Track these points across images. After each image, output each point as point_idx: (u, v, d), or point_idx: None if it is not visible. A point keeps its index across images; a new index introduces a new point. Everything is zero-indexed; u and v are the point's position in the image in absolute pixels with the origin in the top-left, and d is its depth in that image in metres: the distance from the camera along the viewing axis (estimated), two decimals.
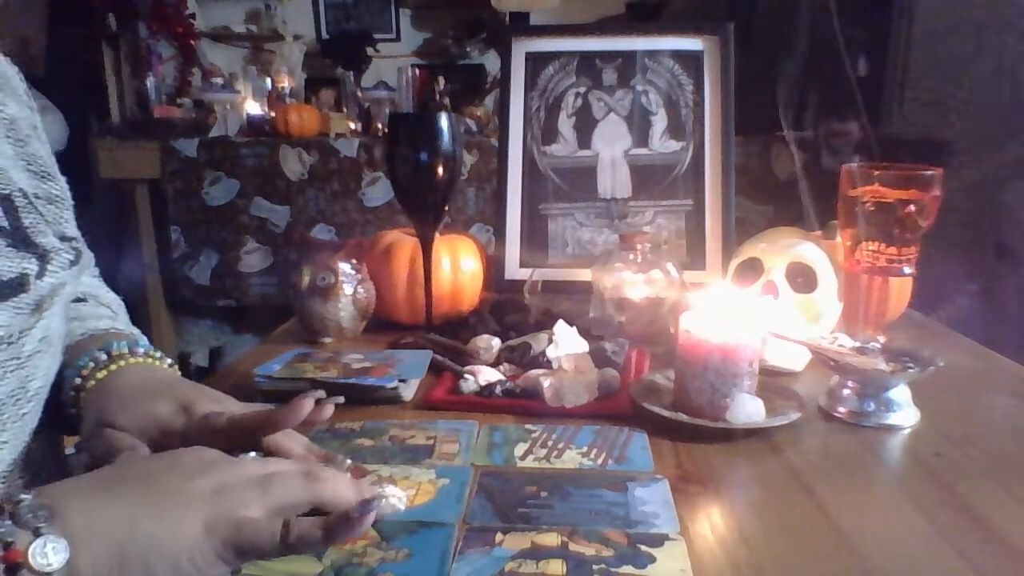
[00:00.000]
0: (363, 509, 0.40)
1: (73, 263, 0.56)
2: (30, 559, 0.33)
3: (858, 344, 0.71)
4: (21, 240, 0.52)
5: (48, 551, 0.34)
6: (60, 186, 0.58)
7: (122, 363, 0.58)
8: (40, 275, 0.52)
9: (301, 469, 0.43)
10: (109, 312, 0.69)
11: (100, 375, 0.56)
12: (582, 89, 1.12)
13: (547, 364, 0.71)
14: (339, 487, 0.42)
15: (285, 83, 3.15)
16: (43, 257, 0.53)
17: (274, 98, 3.02)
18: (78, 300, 0.68)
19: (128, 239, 2.71)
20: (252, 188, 2.58)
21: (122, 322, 0.69)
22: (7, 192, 0.54)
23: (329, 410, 0.57)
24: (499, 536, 0.47)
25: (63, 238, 0.57)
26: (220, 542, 0.38)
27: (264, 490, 0.40)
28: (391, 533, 0.47)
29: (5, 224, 0.52)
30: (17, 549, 0.33)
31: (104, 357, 0.58)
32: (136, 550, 0.36)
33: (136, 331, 0.67)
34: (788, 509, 0.52)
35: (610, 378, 0.71)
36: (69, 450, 0.61)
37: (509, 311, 0.92)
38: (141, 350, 0.60)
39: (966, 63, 2.08)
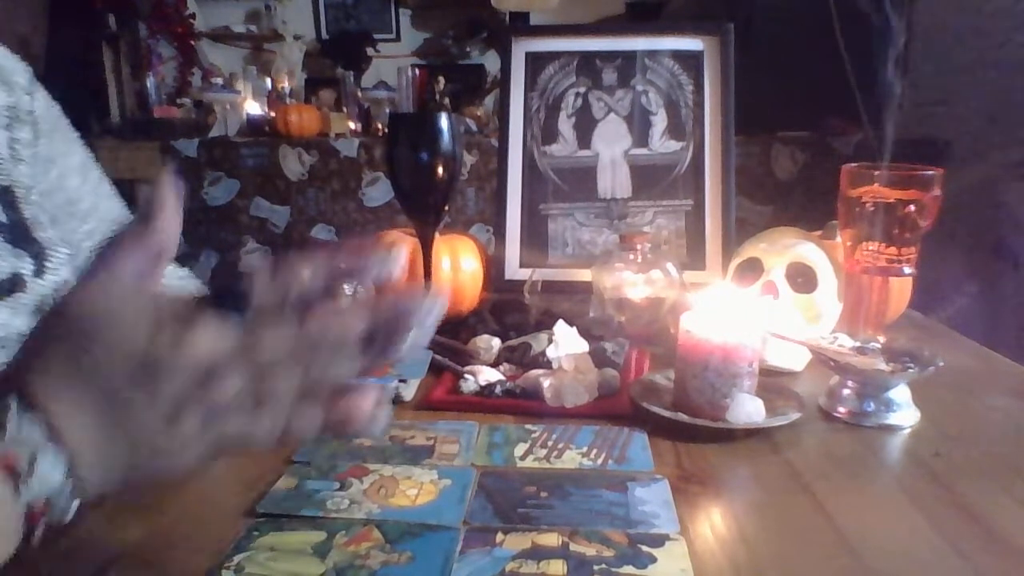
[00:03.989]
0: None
1: (74, 257, 0.56)
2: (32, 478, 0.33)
3: (858, 344, 0.71)
4: (20, 235, 0.52)
5: (48, 465, 0.33)
6: None
7: None
8: (39, 273, 0.52)
9: (298, 386, 0.36)
10: None
11: None
12: (582, 89, 1.12)
13: (547, 364, 0.71)
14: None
15: (285, 83, 3.16)
16: (39, 255, 0.53)
17: (274, 98, 3.02)
18: None
19: None
20: (252, 188, 2.59)
21: None
22: (7, 184, 0.53)
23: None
24: (499, 536, 0.47)
25: None
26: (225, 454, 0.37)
27: (260, 413, 0.36)
28: (394, 536, 0.47)
29: (4, 219, 0.52)
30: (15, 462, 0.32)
31: None
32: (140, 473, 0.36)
33: None
34: (788, 509, 0.52)
35: (610, 378, 0.71)
36: None
37: (509, 311, 0.92)
38: None
39: (966, 63, 2.08)
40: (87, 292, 0.37)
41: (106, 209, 0.66)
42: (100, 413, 0.34)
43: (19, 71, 0.59)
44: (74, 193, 0.62)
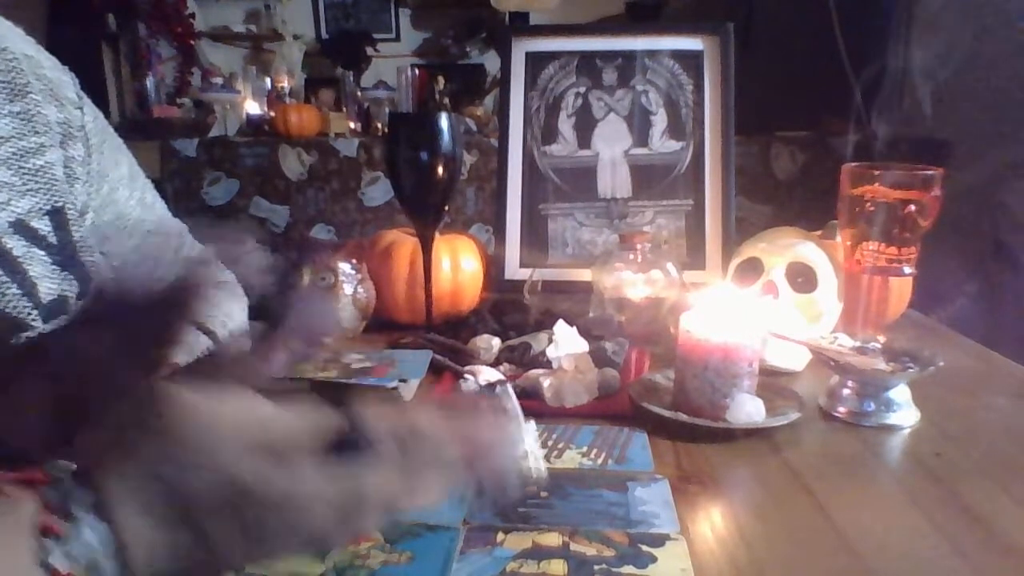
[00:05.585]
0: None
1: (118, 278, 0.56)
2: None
3: (858, 344, 0.71)
4: (68, 257, 0.51)
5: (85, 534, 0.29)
6: None
7: None
8: (81, 296, 0.51)
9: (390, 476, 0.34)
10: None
11: None
12: (582, 89, 1.12)
13: (547, 364, 0.71)
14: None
15: (285, 83, 3.16)
16: (84, 279, 0.52)
17: (274, 98, 3.02)
18: None
19: None
20: (252, 188, 2.59)
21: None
22: (60, 205, 0.53)
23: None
24: (500, 536, 0.47)
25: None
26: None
27: (348, 519, 0.34)
28: (395, 536, 0.47)
29: (54, 240, 0.51)
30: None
31: None
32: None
33: None
34: (788, 509, 0.52)
35: (610, 378, 0.71)
36: None
37: (509, 311, 0.92)
38: None
39: (966, 63, 2.08)
40: (188, 399, 0.32)
41: (151, 222, 0.66)
42: (171, 538, 0.31)
43: (67, 84, 0.58)
44: (123, 206, 0.62)
